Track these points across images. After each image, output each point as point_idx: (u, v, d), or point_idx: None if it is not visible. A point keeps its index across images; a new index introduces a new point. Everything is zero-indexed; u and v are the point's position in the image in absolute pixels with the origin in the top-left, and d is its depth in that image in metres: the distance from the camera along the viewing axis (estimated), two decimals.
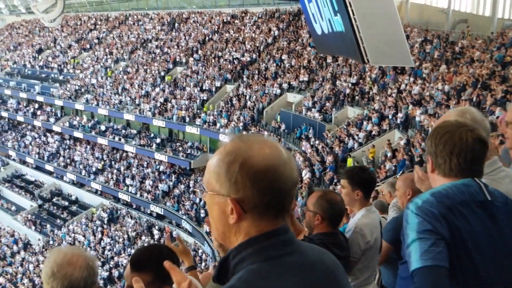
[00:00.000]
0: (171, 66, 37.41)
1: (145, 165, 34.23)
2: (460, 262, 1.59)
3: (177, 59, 37.60)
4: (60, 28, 50.36)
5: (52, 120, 40.74)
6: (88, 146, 38.43)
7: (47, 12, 24.75)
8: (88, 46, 46.44)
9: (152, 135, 34.72)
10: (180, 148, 32.03)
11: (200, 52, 37.12)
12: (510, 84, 15.72)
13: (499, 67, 17.27)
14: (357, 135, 20.83)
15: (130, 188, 32.32)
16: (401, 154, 16.73)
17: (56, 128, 39.88)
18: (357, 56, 8.67)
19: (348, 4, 8.15)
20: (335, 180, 18.82)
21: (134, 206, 32.49)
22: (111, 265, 28.14)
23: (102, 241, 30.49)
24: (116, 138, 35.20)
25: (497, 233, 1.64)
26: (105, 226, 31.65)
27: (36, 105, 43.29)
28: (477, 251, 1.60)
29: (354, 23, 8.23)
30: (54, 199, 36.85)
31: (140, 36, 43.52)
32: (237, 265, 1.18)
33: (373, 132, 20.32)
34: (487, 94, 15.51)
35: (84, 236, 31.41)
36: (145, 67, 38.58)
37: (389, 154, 17.67)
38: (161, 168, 33.10)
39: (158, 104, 33.65)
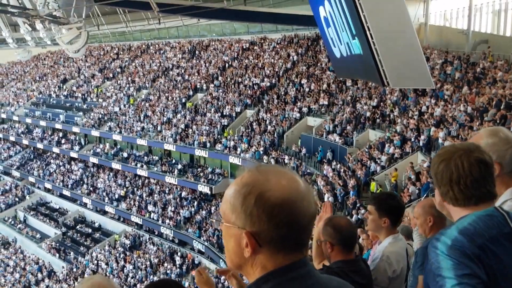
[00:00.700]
0: (191, 93, 37.92)
1: (166, 191, 34.38)
2: None
3: (198, 86, 38.12)
4: (84, 59, 51.75)
5: (76, 148, 41.47)
6: (111, 173, 38.89)
7: (72, 43, 25.42)
8: (111, 75, 47.52)
9: (173, 161, 34.97)
10: (201, 174, 32.14)
11: (220, 78, 37.59)
12: None
13: None
14: (379, 158, 20.59)
15: (152, 214, 32.44)
16: (424, 177, 16.44)
17: (80, 156, 40.53)
18: (376, 79, 8.63)
19: (366, 28, 8.17)
20: (358, 204, 18.56)
21: (156, 233, 32.53)
22: None
23: (124, 268, 30.50)
24: (138, 165, 35.55)
25: None
26: (127, 253, 31.71)
27: (61, 134, 44.19)
28: None
29: (372, 46, 8.22)
30: (77, 226, 37.21)
31: (162, 64, 44.38)
32: None
33: (396, 155, 20.07)
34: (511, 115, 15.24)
35: (107, 263, 31.49)
36: (166, 94, 39.18)
37: (412, 177, 17.38)
38: (183, 194, 33.20)
39: (180, 131, 33.99)
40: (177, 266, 28.89)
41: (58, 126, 43.66)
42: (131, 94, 42.43)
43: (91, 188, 38.24)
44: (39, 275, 33.62)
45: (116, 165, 36.83)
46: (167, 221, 31.28)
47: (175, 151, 34.72)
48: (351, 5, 8.34)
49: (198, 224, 29.98)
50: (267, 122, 30.33)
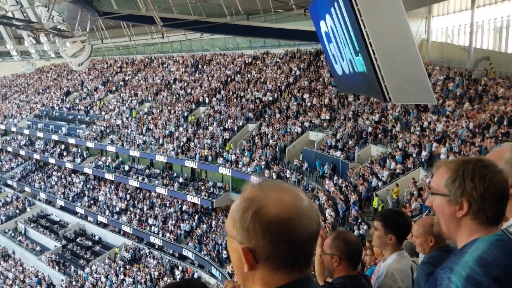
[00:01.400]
0: (194, 106, 38.05)
1: (167, 205, 34.30)
2: None
3: (200, 100, 38.26)
4: (87, 71, 52.06)
5: (78, 160, 41.50)
6: (112, 186, 38.84)
7: (75, 56, 25.63)
8: (114, 88, 47.75)
9: (175, 174, 34.95)
10: (203, 187, 32.08)
11: (222, 92, 37.74)
12: None
13: None
14: (381, 173, 20.56)
15: (153, 228, 32.32)
16: (426, 193, 16.38)
17: (82, 169, 40.54)
18: (378, 94, 8.66)
19: (368, 44, 8.22)
20: (360, 220, 18.48)
21: (156, 246, 32.37)
22: None
23: (124, 281, 30.29)
24: (140, 178, 35.53)
25: None
26: (127, 267, 31.52)
27: (63, 146, 44.26)
28: None
29: (375, 62, 8.26)
30: (78, 239, 37.05)
31: (165, 78, 44.62)
32: None
33: (397, 171, 20.04)
34: None
35: (106, 276, 31.28)
36: (169, 108, 39.32)
37: (415, 193, 17.33)
38: (184, 207, 33.11)
39: (181, 144, 34.03)
40: (177, 280, 28.67)
41: (60, 138, 43.74)
42: (134, 107, 42.58)
43: (91, 201, 38.16)
44: None
45: (126, 181, 36.62)
46: (168, 234, 31.15)
47: (177, 165, 34.73)
48: (353, 21, 8.39)
49: (198, 238, 29.84)
50: (269, 136, 30.38)
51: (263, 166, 27.76)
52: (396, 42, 8.44)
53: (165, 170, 35.84)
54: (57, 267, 34.39)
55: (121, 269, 31.49)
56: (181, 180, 33.58)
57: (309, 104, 30.76)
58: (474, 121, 18.44)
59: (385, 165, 20.85)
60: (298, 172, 26.29)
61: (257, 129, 31.85)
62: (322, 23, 11.25)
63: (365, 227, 17.72)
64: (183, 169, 34.91)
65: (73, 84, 53.25)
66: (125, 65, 51.30)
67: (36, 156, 45.67)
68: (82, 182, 41.18)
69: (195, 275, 28.38)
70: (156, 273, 29.61)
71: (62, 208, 40.55)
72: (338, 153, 24.56)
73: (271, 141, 29.73)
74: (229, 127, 33.36)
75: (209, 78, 40.70)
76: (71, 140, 42.25)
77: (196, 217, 31.76)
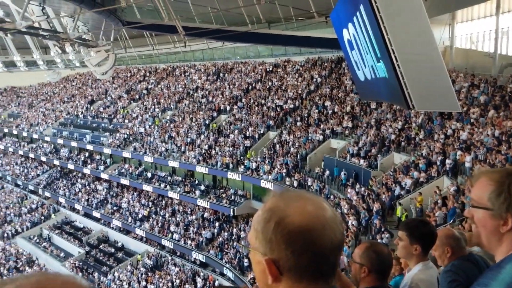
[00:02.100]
0: (215, 114, 38.28)
1: (189, 212, 34.47)
2: None
3: (222, 108, 38.48)
4: (111, 80, 52.93)
5: (101, 168, 42.10)
6: (135, 193, 39.25)
7: (100, 65, 26.10)
8: (137, 96, 48.41)
9: (196, 181, 35.14)
10: (224, 195, 32.16)
11: (243, 100, 37.89)
12: None
13: None
14: (405, 182, 20.27)
15: (174, 235, 32.50)
16: (451, 202, 16.09)
17: (105, 176, 41.11)
18: (402, 101, 8.57)
19: (391, 51, 8.16)
20: (383, 229, 18.23)
21: (178, 254, 32.51)
22: None
23: None
24: (162, 185, 35.83)
25: None
26: (149, 274, 31.71)
27: (87, 154, 44.98)
28: None
29: (398, 69, 8.19)
30: (101, 246, 37.49)
31: (187, 86, 45.05)
32: None
33: (421, 179, 19.72)
34: None
35: (129, 283, 31.53)
36: (190, 116, 39.64)
37: (439, 202, 17.02)
38: (205, 215, 33.22)
39: (203, 151, 34.23)
40: None
41: (84, 146, 44.47)
42: (156, 115, 43.08)
43: (114, 208, 38.62)
44: None
45: (148, 187, 37.15)
46: (189, 242, 31.27)
47: (198, 172, 34.93)
48: (375, 29, 8.35)
49: (220, 245, 29.87)
50: (290, 144, 30.31)
51: (284, 174, 27.68)
52: (419, 49, 8.35)
53: (187, 177, 36.07)
54: (80, 274, 34.82)
55: (143, 276, 31.71)
56: (202, 187, 33.74)
57: (330, 111, 30.62)
58: (500, 129, 18.06)
59: (408, 173, 20.57)
60: (319, 180, 26.13)
61: (278, 137, 31.82)
62: (344, 31, 11.25)
63: (388, 236, 17.47)
64: (204, 176, 35.09)
65: (97, 92, 54.20)
66: (148, 74, 52.02)
67: (59, 163, 46.47)
68: (105, 189, 41.74)
69: (216, 283, 28.39)
70: (178, 280, 29.72)
71: (85, 214, 41.15)
72: (361, 161, 24.33)
73: (292, 149, 29.66)
74: (250, 134, 33.43)
75: (231, 86, 40.93)
76: (95, 148, 42.89)
77: (217, 224, 31.83)
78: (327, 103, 31.46)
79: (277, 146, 30.83)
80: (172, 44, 34.35)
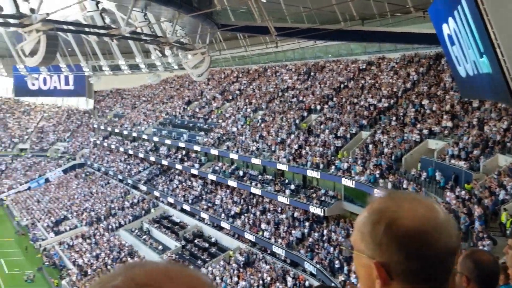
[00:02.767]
0: (306, 114, 38.18)
1: (279, 211, 34.75)
2: None
3: (312, 107, 38.29)
4: (207, 82, 55.04)
5: (196, 165, 43.87)
6: (228, 191, 40.41)
7: (196, 68, 27.19)
8: (230, 97, 49.87)
9: (286, 181, 35.32)
10: (314, 195, 31.97)
11: (335, 99, 37.38)
12: None
13: None
14: (510, 185, 18.75)
15: (265, 233, 32.95)
16: None
17: (200, 173, 42.77)
18: (507, 99, 7.95)
19: (496, 45, 7.59)
20: (485, 235, 17.02)
21: (268, 251, 32.92)
22: None
23: (238, 284, 31.23)
24: (253, 184, 36.50)
25: None
26: (241, 270, 32.46)
27: (184, 152, 47.14)
28: None
29: (503, 65, 7.60)
30: (195, 241, 39.06)
31: (278, 86, 45.47)
32: None
33: None
34: None
35: (221, 278, 32.51)
36: (281, 116, 39.93)
37: None
38: (296, 214, 33.28)
39: (293, 151, 34.31)
40: (289, 287, 28.88)
41: (181, 144, 46.66)
42: (248, 115, 43.98)
43: (209, 204, 40.05)
44: None
45: (232, 183, 38.26)
46: (279, 240, 31.53)
47: (288, 172, 35.06)
48: (478, 22, 7.82)
49: (310, 246, 29.75)
50: (384, 144, 29.35)
51: (377, 176, 26.86)
52: None
53: (277, 176, 36.40)
54: None
55: (235, 271, 32.53)
56: (292, 187, 33.85)
57: (428, 110, 29.17)
58: None
59: None
60: (415, 182, 25.00)
61: (371, 137, 30.96)
62: (444, 26, 10.67)
63: (490, 242, 16.28)
64: (294, 176, 35.15)
65: (193, 94, 56.67)
66: (240, 75, 53.36)
67: (154, 159, 49.21)
68: (200, 186, 43.45)
69: (306, 283, 28.34)
70: (269, 278, 30.09)
71: (182, 210, 43.16)
72: (461, 163, 22.91)
73: (386, 150, 28.70)
74: (341, 134, 32.89)
75: (321, 85, 40.59)
76: (191, 146, 44.78)
77: (307, 224, 31.74)
78: (425, 102, 30.00)
79: (370, 146, 30.01)
80: (264, 45, 34.85)
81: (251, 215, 35.74)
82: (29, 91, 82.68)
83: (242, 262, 33.22)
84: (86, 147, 72.23)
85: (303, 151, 33.80)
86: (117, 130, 61.38)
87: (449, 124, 26.57)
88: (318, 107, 37.73)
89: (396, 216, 1.07)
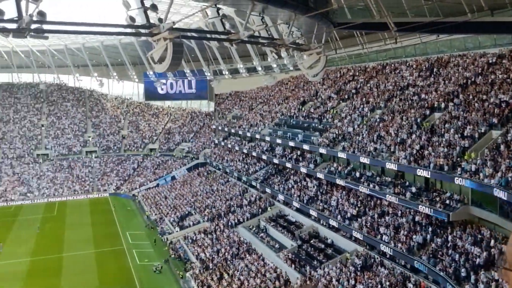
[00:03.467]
0: (428, 112, 36.12)
1: (399, 214, 33.32)
2: None
3: (435, 105, 36.09)
4: (321, 82, 54.81)
5: (311, 166, 43.86)
6: (344, 192, 39.78)
7: (311, 68, 27.17)
8: (346, 96, 49.01)
9: (407, 183, 33.74)
10: (438, 199, 30.09)
11: (461, 96, 34.84)
12: None
13: None
14: None
15: (383, 236, 31.83)
16: None
17: (313, 173, 42.70)
18: None
19: None
20: None
21: (387, 256, 31.73)
22: None
23: (355, 287, 30.58)
24: (371, 186, 35.46)
25: None
26: (358, 273, 31.74)
27: (299, 152, 47.44)
28: None
29: None
30: (311, 241, 39.07)
31: (397, 83, 43.66)
32: None
33: None
34: None
35: (338, 280, 32.09)
36: (401, 114, 38.26)
37: None
38: (417, 218, 31.65)
39: (414, 152, 32.65)
40: None
41: (296, 144, 47.01)
42: (365, 114, 42.86)
43: (324, 205, 39.79)
44: (277, 283, 36.35)
45: (357, 188, 37.47)
46: (399, 245, 30.23)
47: (409, 174, 33.45)
48: None
49: (433, 252, 28.08)
50: None
51: (509, 179, 24.47)
52: None
53: (397, 178, 34.94)
54: (293, 265, 36.86)
55: (352, 274, 31.89)
56: (413, 189, 32.23)
57: None
58: None
59: None
60: None
61: (503, 137, 28.31)
62: None
63: None
64: (415, 178, 33.43)
65: (308, 94, 56.78)
66: (357, 73, 52.21)
67: (275, 161, 50.13)
68: (315, 187, 43.37)
69: None
70: (388, 283, 29.01)
71: (297, 210, 43.47)
72: None
73: None
74: (469, 134, 30.53)
75: (445, 82, 38.09)
76: (306, 147, 44.96)
77: (430, 229, 29.99)
78: None
79: (502, 146, 27.45)
80: (383, 41, 33.71)
81: (369, 218, 34.77)
82: (158, 95, 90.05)
83: (359, 265, 32.46)
84: (208, 147, 76.38)
85: (426, 152, 32.01)
86: (233, 131, 63.86)
87: None
88: (442, 105, 35.45)
89: None
